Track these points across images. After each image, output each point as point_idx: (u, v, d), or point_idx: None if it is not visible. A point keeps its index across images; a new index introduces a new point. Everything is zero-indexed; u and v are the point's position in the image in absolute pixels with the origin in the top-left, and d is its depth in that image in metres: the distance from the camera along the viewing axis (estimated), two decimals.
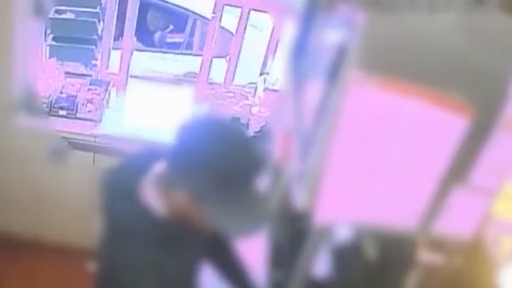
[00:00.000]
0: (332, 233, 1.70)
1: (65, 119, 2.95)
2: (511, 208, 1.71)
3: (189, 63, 3.67)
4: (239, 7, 3.13)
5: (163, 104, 3.15)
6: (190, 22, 4.06)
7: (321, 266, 1.77)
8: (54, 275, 3.07)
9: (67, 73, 3.11)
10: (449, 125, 1.46)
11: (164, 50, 4.06)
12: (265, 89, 3.23)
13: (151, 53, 3.89)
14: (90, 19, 2.99)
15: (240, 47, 3.19)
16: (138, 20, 3.09)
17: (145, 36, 4.06)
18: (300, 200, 1.63)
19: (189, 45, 4.09)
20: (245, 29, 3.16)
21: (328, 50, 1.54)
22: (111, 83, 3.13)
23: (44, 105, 2.94)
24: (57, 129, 2.92)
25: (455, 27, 1.36)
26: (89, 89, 3.06)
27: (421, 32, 1.36)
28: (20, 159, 2.98)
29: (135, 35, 3.12)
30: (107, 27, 3.05)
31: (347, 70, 1.41)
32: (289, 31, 2.06)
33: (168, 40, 4.22)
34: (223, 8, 3.06)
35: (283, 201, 1.82)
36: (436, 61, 1.39)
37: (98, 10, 3.00)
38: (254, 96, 3.25)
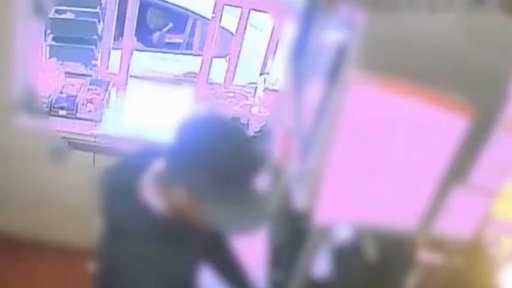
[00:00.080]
0: (332, 233, 1.70)
1: (65, 119, 2.95)
2: (511, 208, 1.71)
3: (189, 63, 3.67)
4: (239, 7, 3.13)
5: (163, 104, 3.15)
6: (190, 22, 4.06)
7: (321, 266, 1.77)
8: (55, 275, 3.07)
9: (67, 73, 3.11)
10: (449, 125, 1.46)
11: (164, 50, 4.06)
12: (265, 89, 3.23)
13: (151, 53, 3.89)
14: (90, 19, 2.99)
15: (240, 47, 3.19)
16: (138, 20, 3.09)
17: (145, 36, 4.06)
18: (300, 200, 1.63)
19: (189, 45, 4.09)
20: (245, 29, 3.16)
21: (328, 50, 1.54)
22: (111, 83, 3.13)
23: (44, 105, 2.94)
24: (57, 129, 2.92)
25: (455, 27, 1.36)
26: (89, 89, 3.06)
27: (421, 32, 1.36)
28: (20, 159, 2.98)
29: (135, 35, 3.12)
30: (107, 27, 3.05)
31: (347, 70, 1.41)
32: (289, 31, 2.06)
33: (167, 40, 4.22)
34: (223, 8, 3.06)
35: (283, 201, 1.82)
36: (436, 61, 1.39)
37: (98, 10, 3.00)
38: (254, 96, 3.25)
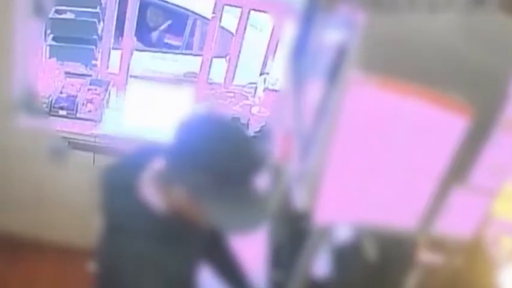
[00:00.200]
0: (332, 233, 1.70)
1: (65, 119, 2.95)
2: (511, 208, 1.71)
3: (189, 63, 3.67)
4: (239, 7, 3.13)
5: (163, 104, 3.15)
6: (190, 22, 4.06)
7: (321, 266, 1.78)
8: (55, 275, 3.07)
9: (67, 73, 3.11)
10: (449, 125, 1.46)
11: (164, 50, 4.06)
12: (265, 89, 3.23)
13: (151, 53, 3.89)
14: (90, 19, 2.99)
15: (240, 47, 3.19)
16: (138, 20, 3.10)
17: (145, 36, 4.06)
18: (300, 200, 1.63)
19: (189, 45, 4.09)
20: (245, 29, 3.16)
21: (328, 50, 1.54)
22: (111, 83, 3.13)
23: (44, 105, 2.94)
24: (57, 129, 2.92)
25: (455, 27, 1.36)
26: (89, 89, 3.06)
27: (421, 32, 1.36)
28: (20, 159, 2.98)
29: (135, 35, 3.12)
30: (107, 27, 3.05)
31: (347, 70, 1.41)
32: (289, 31, 2.06)
33: (166, 41, 4.22)
34: (223, 8, 3.06)
35: (283, 201, 1.82)
36: (436, 61, 1.39)
37: (98, 10, 3.00)
38: (254, 96, 3.25)
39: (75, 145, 2.95)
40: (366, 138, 1.47)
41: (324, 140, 1.49)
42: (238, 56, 3.21)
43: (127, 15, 3.04)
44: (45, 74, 3.03)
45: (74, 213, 3.00)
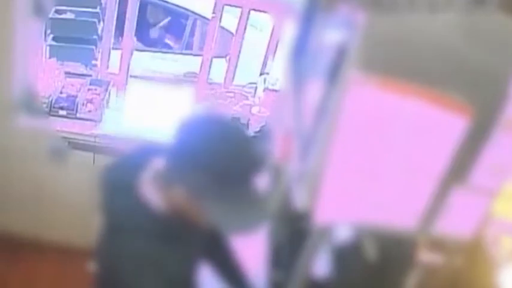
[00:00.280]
0: (332, 233, 1.70)
1: (65, 119, 2.95)
2: (511, 208, 1.71)
3: (189, 63, 3.67)
4: (239, 7, 3.13)
5: (163, 104, 3.14)
6: (190, 22, 4.06)
7: (321, 266, 1.77)
8: (55, 275, 3.07)
9: (67, 73, 3.11)
10: (449, 125, 1.46)
11: (164, 50, 4.06)
12: (265, 89, 3.23)
13: (151, 53, 3.89)
14: (90, 19, 2.99)
15: (240, 47, 3.19)
16: (138, 20, 3.09)
17: (145, 36, 4.06)
18: (300, 200, 1.63)
19: (189, 45, 4.09)
20: (245, 29, 3.16)
21: (328, 50, 1.54)
22: (111, 83, 3.13)
23: (44, 105, 2.94)
24: (57, 129, 2.92)
25: (455, 27, 1.36)
26: (89, 89, 3.06)
27: (421, 32, 1.36)
28: (20, 159, 2.98)
29: (135, 35, 3.12)
30: (107, 27, 3.05)
31: (347, 70, 1.41)
32: (289, 31, 2.06)
33: (166, 41, 4.22)
34: (223, 8, 3.06)
35: (283, 201, 1.82)
36: (436, 61, 1.39)
37: (98, 10, 3.00)
38: (254, 96, 3.25)
39: (75, 145, 2.95)
40: (366, 138, 1.47)
41: (324, 140, 1.49)
42: (238, 56, 3.21)
43: (127, 15, 3.03)
44: (45, 74, 3.03)
45: (74, 213, 3.00)
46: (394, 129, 1.46)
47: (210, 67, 3.20)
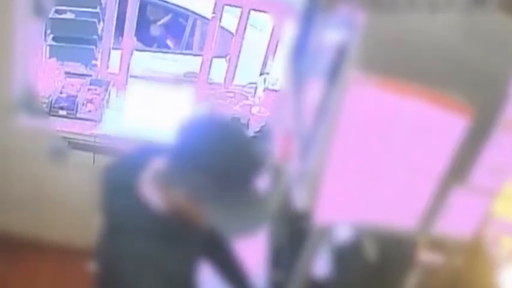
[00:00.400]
0: (332, 233, 1.70)
1: (65, 119, 2.95)
2: (511, 208, 1.71)
3: (189, 63, 3.67)
4: (239, 7, 3.13)
5: (163, 104, 3.14)
6: (190, 22, 4.06)
7: (321, 266, 1.77)
8: (55, 275, 3.07)
9: (67, 73, 3.11)
10: (449, 125, 1.46)
11: (164, 50, 4.06)
12: (265, 89, 3.23)
13: (151, 53, 3.89)
14: (90, 19, 2.99)
15: (240, 47, 3.19)
16: (138, 20, 3.09)
17: (145, 36, 4.06)
18: (300, 200, 1.63)
19: (189, 45, 4.09)
20: (245, 29, 3.16)
21: (328, 50, 1.54)
22: (111, 83, 3.13)
23: (44, 105, 2.94)
24: (57, 129, 2.92)
25: (455, 27, 1.36)
26: (89, 89, 3.06)
27: (421, 32, 1.36)
28: (20, 159, 2.98)
29: (135, 35, 3.12)
30: (107, 27, 3.05)
31: (347, 70, 1.41)
32: (289, 31, 2.06)
33: (167, 42, 4.22)
34: (223, 8, 3.06)
35: (283, 201, 1.82)
36: (436, 61, 1.39)
37: (98, 10, 3.00)
38: (254, 96, 3.25)
39: (75, 145, 2.95)
40: (366, 138, 1.47)
41: (324, 140, 1.49)
42: (238, 56, 3.21)
43: (127, 15, 3.03)
44: (45, 74, 3.03)
45: (74, 213, 3.00)
46: (394, 129, 1.46)
47: (210, 67, 3.20)
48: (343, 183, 1.52)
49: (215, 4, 3.06)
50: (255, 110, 3.18)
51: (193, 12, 4.02)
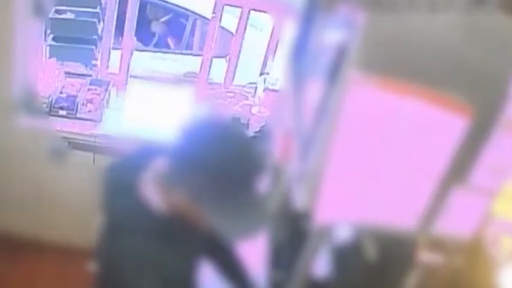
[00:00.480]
0: (332, 233, 1.70)
1: (65, 119, 2.95)
2: (511, 208, 1.71)
3: (189, 63, 3.67)
4: (239, 7, 3.13)
5: (163, 104, 3.15)
6: (190, 22, 4.06)
7: (321, 266, 1.77)
8: (55, 275, 3.07)
9: (67, 73, 3.11)
10: (449, 125, 1.46)
11: (164, 50, 4.06)
12: (265, 89, 3.23)
13: (151, 53, 3.89)
14: (90, 19, 2.99)
15: (240, 47, 3.19)
16: (138, 19, 3.09)
17: (145, 36, 4.06)
18: (300, 200, 1.63)
19: (189, 45, 4.09)
20: (245, 29, 3.16)
21: (328, 50, 1.54)
22: (111, 83, 3.13)
23: (44, 105, 2.94)
24: (57, 129, 2.92)
25: (455, 27, 1.36)
26: (89, 89, 3.06)
27: (421, 32, 1.36)
28: (20, 159, 2.98)
29: (135, 35, 3.12)
30: (107, 27, 3.05)
31: (347, 70, 1.41)
32: (289, 31, 2.06)
33: (168, 40, 4.22)
34: (223, 8, 3.06)
35: (283, 202, 1.82)
36: (436, 61, 1.39)
37: (98, 10, 3.00)
38: (254, 96, 3.25)
39: (75, 145, 2.95)
40: (366, 139, 1.47)
41: (324, 140, 1.49)
42: (238, 56, 3.21)
43: (127, 15, 3.04)
44: (45, 74, 3.03)
45: (74, 213, 3.00)
46: (394, 129, 1.46)
47: (210, 67, 3.20)
48: (343, 183, 1.52)
49: (215, 4, 3.06)
50: (255, 110, 3.18)
51: (193, 12, 4.02)
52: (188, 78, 3.43)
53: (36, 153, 2.94)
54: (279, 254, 1.95)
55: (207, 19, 3.35)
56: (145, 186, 1.52)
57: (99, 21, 3.00)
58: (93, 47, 3.05)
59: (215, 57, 3.21)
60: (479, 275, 1.84)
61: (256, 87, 3.26)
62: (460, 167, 1.54)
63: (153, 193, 1.51)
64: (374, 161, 1.50)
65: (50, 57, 3.03)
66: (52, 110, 2.94)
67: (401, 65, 1.39)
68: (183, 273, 1.63)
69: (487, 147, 1.52)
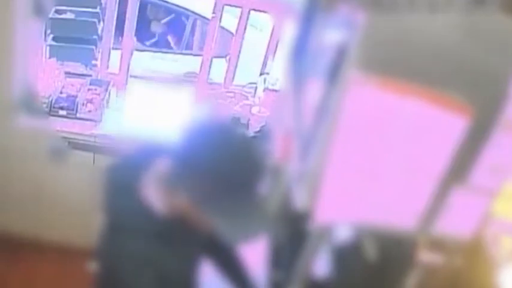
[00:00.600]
0: (332, 233, 1.70)
1: (65, 119, 2.95)
2: (511, 208, 1.71)
3: (189, 63, 3.67)
4: (239, 7, 3.13)
5: (163, 104, 3.15)
6: (190, 22, 4.06)
7: (321, 266, 1.78)
8: (55, 275, 3.07)
9: (67, 73, 3.11)
10: (449, 125, 1.46)
11: (164, 50, 4.06)
12: (265, 89, 3.23)
13: (151, 53, 3.89)
14: (90, 19, 2.99)
15: (240, 47, 3.19)
16: (138, 20, 3.10)
17: (145, 36, 4.07)
18: (300, 200, 1.63)
19: (189, 45, 4.09)
20: (245, 29, 3.16)
21: (328, 50, 1.54)
22: (111, 83, 3.13)
23: (44, 105, 2.94)
24: (57, 129, 2.92)
25: (455, 27, 1.36)
26: (89, 89, 3.06)
27: (421, 32, 1.36)
28: (20, 159, 2.98)
29: (135, 35, 3.12)
30: (107, 27, 3.05)
31: (347, 70, 1.41)
32: (289, 31, 2.06)
33: (168, 39, 4.22)
34: (223, 8, 3.06)
35: (283, 202, 1.82)
36: (436, 61, 1.39)
37: (98, 10, 3.00)
38: (254, 96, 3.25)
39: (75, 145, 2.95)
40: (365, 139, 1.47)
41: (324, 140, 1.49)
42: (238, 56, 3.21)
43: (127, 15, 3.03)
44: (45, 74, 3.03)
45: (74, 213, 2.99)
46: (394, 129, 1.46)
47: (210, 67, 3.20)
48: (343, 183, 1.52)
49: (215, 4, 3.06)
50: (255, 110, 3.18)
51: (193, 12, 4.02)
52: (188, 78, 3.43)
53: (36, 153, 2.94)
54: (279, 254, 1.95)
55: (207, 19, 3.35)
56: (146, 187, 1.52)
57: (99, 21, 3.00)
58: (93, 47, 3.05)
59: (215, 57, 3.21)
60: (479, 275, 1.84)
61: (256, 87, 3.26)
62: (460, 167, 1.54)
63: (154, 195, 1.51)
64: (374, 161, 1.50)
65: (50, 57, 3.03)
66: (52, 110, 2.94)
67: (401, 65, 1.39)
68: (183, 273, 1.63)
69: (487, 147, 1.52)
